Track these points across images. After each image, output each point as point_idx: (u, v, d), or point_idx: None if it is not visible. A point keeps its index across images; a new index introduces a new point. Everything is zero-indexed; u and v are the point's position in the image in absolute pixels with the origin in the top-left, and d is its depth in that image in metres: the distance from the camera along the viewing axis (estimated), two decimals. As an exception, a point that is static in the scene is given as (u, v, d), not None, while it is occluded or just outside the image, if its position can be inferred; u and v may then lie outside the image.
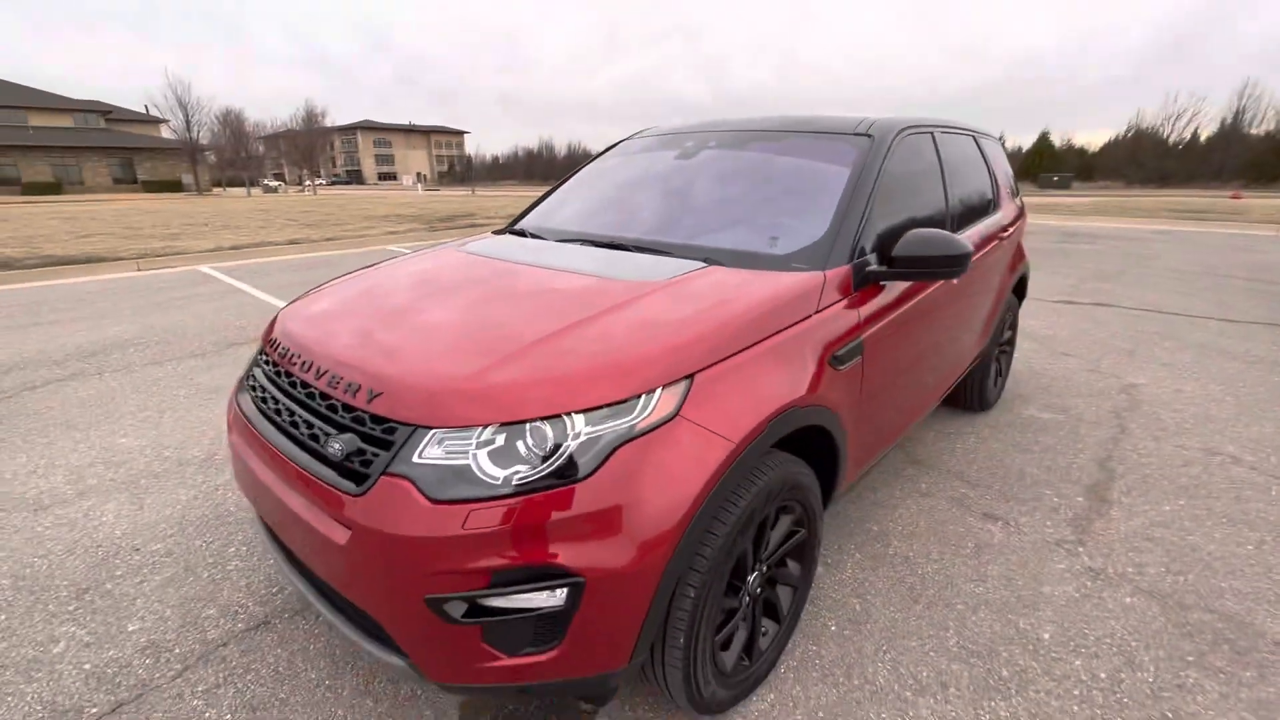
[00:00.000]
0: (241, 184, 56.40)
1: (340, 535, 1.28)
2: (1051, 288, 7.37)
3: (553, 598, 1.23)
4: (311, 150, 61.92)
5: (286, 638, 1.93)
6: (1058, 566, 2.26)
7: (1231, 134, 52.71)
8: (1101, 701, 1.69)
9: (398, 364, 1.42)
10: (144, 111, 55.03)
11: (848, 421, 1.81)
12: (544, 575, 1.21)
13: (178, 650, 1.88)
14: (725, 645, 1.59)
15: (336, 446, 1.34)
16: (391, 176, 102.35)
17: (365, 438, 1.33)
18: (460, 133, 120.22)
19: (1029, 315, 5.89)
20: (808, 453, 1.76)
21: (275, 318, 1.94)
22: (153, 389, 4.04)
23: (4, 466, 3.00)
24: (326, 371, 1.47)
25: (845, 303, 1.83)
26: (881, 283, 1.99)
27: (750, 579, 1.61)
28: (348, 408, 1.39)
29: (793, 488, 1.60)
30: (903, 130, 2.40)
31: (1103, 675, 1.78)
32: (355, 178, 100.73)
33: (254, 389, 1.74)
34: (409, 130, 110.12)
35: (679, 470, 1.30)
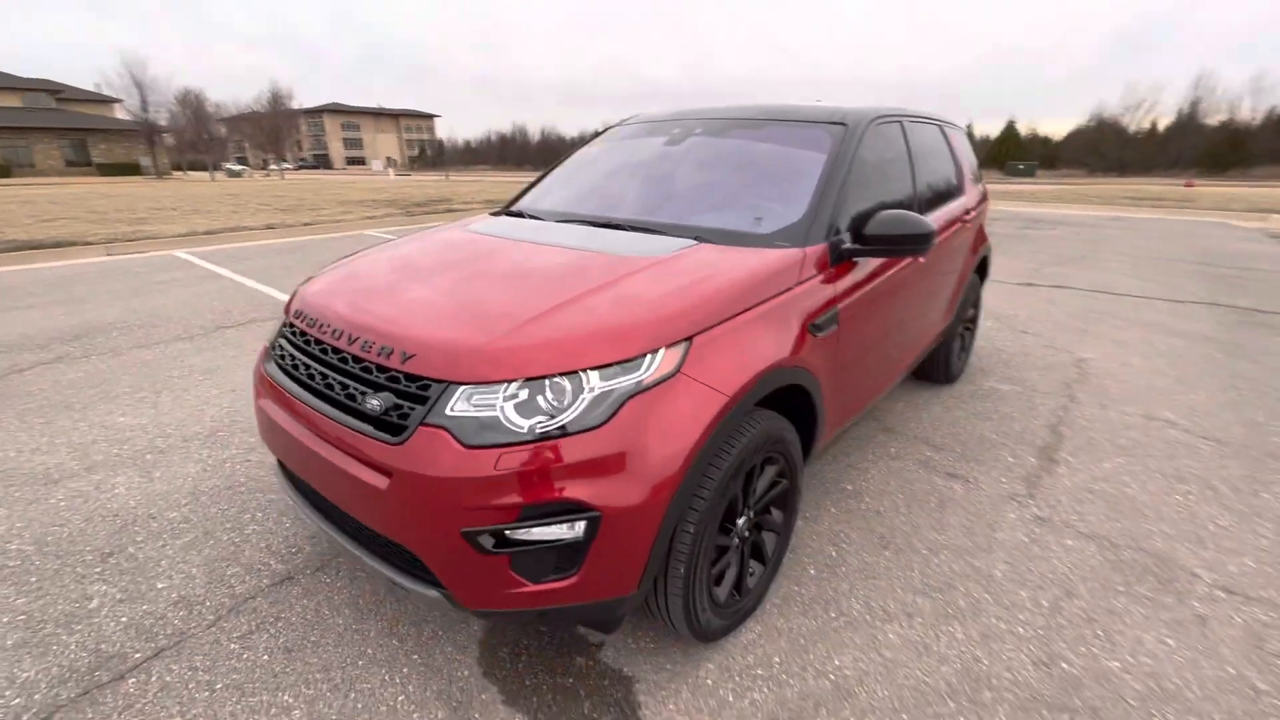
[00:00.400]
0: (203, 167, 54.52)
1: (381, 481, 1.44)
2: (1014, 271, 7.73)
3: (572, 530, 1.41)
4: (277, 133, 60.19)
5: (311, 590, 2.08)
6: (1010, 516, 2.52)
7: (1188, 124, 54.64)
8: (1043, 624, 1.95)
9: (428, 328, 1.57)
10: (96, 90, 52.74)
11: (825, 384, 2.02)
12: (566, 510, 1.39)
13: (209, 604, 2.02)
14: (718, 580, 1.80)
15: (375, 403, 1.49)
16: (360, 161, 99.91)
17: (401, 394, 1.48)
18: (431, 116, 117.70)
19: (992, 296, 6.22)
20: (790, 412, 1.96)
21: (295, 292, 2.06)
22: (144, 371, 4.08)
23: (6, 445, 3.06)
24: (358, 338, 1.62)
25: (822, 277, 2.03)
26: (855, 259, 2.19)
27: (740, 522, 1.81)
28: (382, 369, 1.54)
29: (777, 441, 1.80)
30: (874, 119, 2.60)
31: (1045, 603, 2.04)
32: (322, 162, 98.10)
33: (282, 357, 1.87)
34: (378, 113, 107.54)
35: (680, 420, 1.48)
